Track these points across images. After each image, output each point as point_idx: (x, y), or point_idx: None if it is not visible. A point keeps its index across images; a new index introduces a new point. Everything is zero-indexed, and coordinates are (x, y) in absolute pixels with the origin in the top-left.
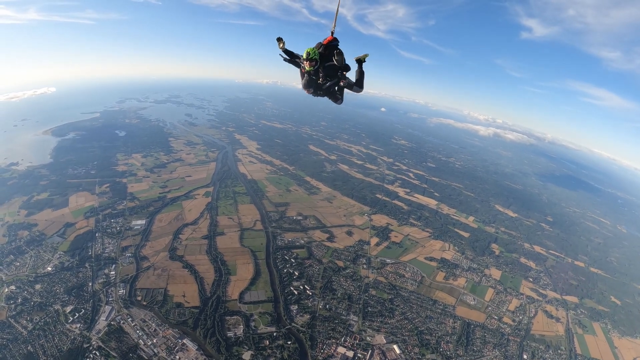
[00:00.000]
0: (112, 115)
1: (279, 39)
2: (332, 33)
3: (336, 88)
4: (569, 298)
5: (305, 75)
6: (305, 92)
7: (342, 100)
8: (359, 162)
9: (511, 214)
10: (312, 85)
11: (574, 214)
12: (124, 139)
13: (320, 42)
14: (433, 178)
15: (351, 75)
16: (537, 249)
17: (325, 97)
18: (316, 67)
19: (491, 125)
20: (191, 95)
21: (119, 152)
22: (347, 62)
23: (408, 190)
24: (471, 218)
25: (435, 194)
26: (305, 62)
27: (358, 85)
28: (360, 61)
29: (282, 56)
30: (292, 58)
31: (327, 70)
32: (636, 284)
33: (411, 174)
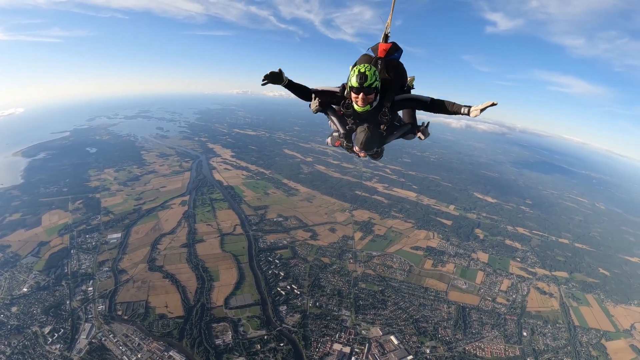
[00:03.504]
0: (83, 133)
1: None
2: (388, 36)
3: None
4: (558, 274)
5: (359, 124)
6: (329, 143)
7: (382, 156)
8: (336, 162)
9: (490, 199)
10: (376, 140)
11: (552, 196)
12: (96, 155)
13: (370, 55)
14: (410, 172)
15: None
16: (521, 230)
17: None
18: (376, 102)
19: (462, 119)
20: (161, 109)
21: (90, 168)
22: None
23: (386, 185)
24: (452, 206)
25: (414, 186)
26: (355, 96)
27: (413, 129)
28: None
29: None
30: (325, 99)
31: (397, 109)
32: (621, 254)
33: (388, 170)
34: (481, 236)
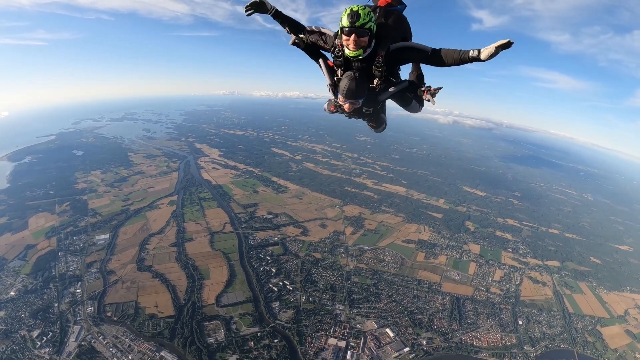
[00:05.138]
0: (68, 136)
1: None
2: None
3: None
4: (550, 263)
5: (348, 73)
6: (326, 109)
7: (385, 124)
8: (324, 160)
9: (479, 193)
10: (363, 91)
11: (540, 188)
12: (82, 158)
13: (370, 4)
14: (399, 168)
15: None
16: (511, 222)
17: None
18: (371, 49)
19: (449, 115)
20: (148, 111)
21: (77, 170)
22: None
23: (376, 181)
24: (441, 200)
25: (403, 181)
26: (346, 39)
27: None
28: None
29: (294, 39)
30: (314, 39)
31: (392, 61)
32: (611, 243)
33: (377, 166)
34: (472, 228)
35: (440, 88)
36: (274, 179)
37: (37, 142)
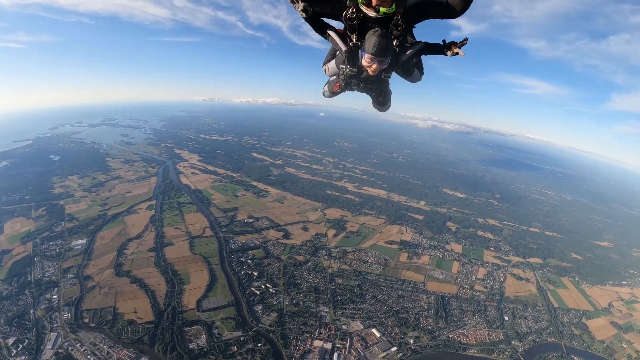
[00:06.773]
0: (45, 141)
1: None
2: None
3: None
4: (532, 260)
5: (374, 30)
6: (326, 93)
7: (389, 104)
8: (305, 165)
9: (460, 195)
10: (392, 48)
11: (519, 190)
12: (59, 163)
13: None
14: (379, 172)
15: None
16: (491, 221)
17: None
18: (391, 10)
19: (428, 120)
20: (126, 117)
21: (54, 175)
22: None
23: (357, 185)
24: (422, 202)
25: (384, 185)
26: None
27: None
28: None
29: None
30: (324, 8)
31: (409, 18)
32: (591, 240)
33: (357, 170)
34: (453, 229)
35: (466, 39)
36: (255, 183)
37: (13, 146)
